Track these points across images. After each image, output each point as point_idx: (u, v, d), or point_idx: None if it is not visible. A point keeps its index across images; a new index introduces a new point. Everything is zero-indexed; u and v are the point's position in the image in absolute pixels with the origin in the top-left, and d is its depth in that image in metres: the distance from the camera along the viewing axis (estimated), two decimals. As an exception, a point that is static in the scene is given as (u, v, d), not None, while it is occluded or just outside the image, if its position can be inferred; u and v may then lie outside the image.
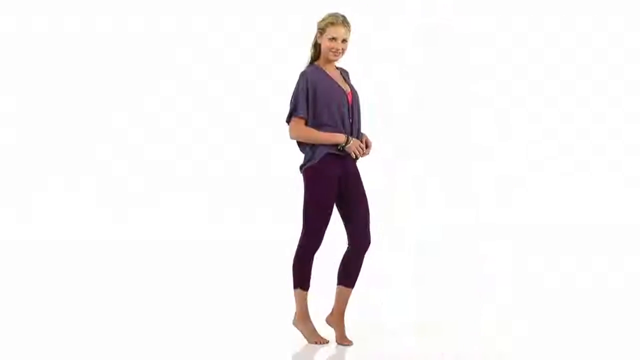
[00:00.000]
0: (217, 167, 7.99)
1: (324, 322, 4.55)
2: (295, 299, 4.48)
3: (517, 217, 7.75)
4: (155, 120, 8.03)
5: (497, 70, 8.00)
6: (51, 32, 7.97)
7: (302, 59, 4.55)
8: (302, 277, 4.44)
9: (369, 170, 5.32)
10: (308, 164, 4.37)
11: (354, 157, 4.43)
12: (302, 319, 4.49)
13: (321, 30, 4.41)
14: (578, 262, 6.71)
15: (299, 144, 4.43)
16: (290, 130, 4.37)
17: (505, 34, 7.97)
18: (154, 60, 8.02)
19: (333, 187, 4.38)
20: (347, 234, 4.49)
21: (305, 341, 4.47)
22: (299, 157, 4.44)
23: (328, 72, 4.42)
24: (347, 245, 4.49)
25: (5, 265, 6.86)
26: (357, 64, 4.94)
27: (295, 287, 4.46)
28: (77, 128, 8.02)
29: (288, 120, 4.38)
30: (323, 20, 4.42)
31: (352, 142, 4.36)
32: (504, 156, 7.99)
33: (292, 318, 4.54)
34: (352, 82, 4.55)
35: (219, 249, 7.26)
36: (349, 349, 4.40)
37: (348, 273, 4.47)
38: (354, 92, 4.47)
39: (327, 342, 4.47)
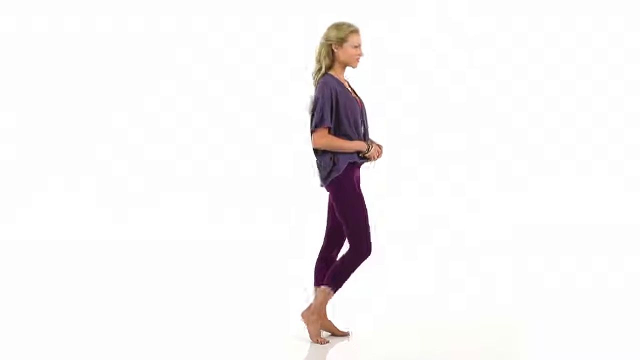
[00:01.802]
0: (217, 167, 8.00)
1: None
2: (321, 296, 4.47)
3: (517, 217, 7.75)
4: (155, 120, 8.03)
5: (497, 70, 8.00)
6: (51, 32, 7.96)
7: (301, 59, 4.56)
8: (344, 281, 4.45)
9: (371, 170, 5.32)
10: (332, 177, 4.40)
11: (372, 161, 4.51)
12: (319, 318, 4.51)
13: (341, 40, 4.43)
14: (578, 262, 6.71)
15: (318, 153, 4.43)
16: (316, 140, 4.38)
17: (506, 34, 7.97)
18: (154, 60, 8.02)
19: (357, 188, 4.48)
20: (329, 235, 4.56)
21: (304, 341, 4.48)
22: (299, 157, 4.44)
23: (342, 82, 4.48)
24: (322, 245, 4.57)
25: (6, 265, 6.86)
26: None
27: (333, 288, 4.45)
28: (77, 128, 8.01)
29: (313, 130, 4.39)
30: (340, 29, 4.44)
31: (372, 148, 4.45)
32: (505, 156, 7.98)
33: (305, 310, 4.54)
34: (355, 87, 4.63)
35: (219, 249, 7.26)
36: (350, 348, 4.41)
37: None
38: (361, 100, 4.55)
39: (328, 342, 4.49)
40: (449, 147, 8.01)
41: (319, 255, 4.59)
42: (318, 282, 4.55)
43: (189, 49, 8.02)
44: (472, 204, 7.85)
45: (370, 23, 7.72)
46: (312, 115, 4.41)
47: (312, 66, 4.50)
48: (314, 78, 4.48)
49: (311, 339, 4.49)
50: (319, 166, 4.44)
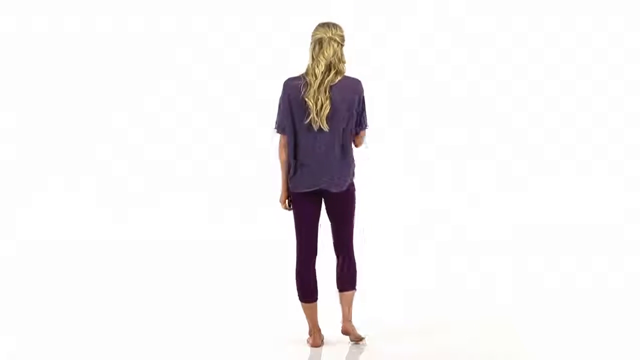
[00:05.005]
0: (217, 167, 7.99)
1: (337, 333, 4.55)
2: (351, 300, 4.48)
3: (517, 217, 7.75)
4: (155, 120, 8.03)
5: (497, 70, 8.00)
6: (51, 32, 7.96)
7: (301, 59, 4.55)
8: None
9: (371, 169, 5.33)
10: (353, 179, 4.42)
11: None
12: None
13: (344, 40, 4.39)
14: (578, 262, 6.71)
15: (349, 153, 4.40)
16: (363, 140, 4.44)
17: (506, 34, 7.96)
18: (154, 60, 8.02)
19: None
20: (315, 242, 4.51)
21: (303, 341, 4.48)
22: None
23: None
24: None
25: (5, 265, 6.86)
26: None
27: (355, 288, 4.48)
28: (77, 128, 8.01)
29: (362, 130, 4.41)
30: (342, 29, 4.39)
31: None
32: (505, 156, 7.98)
33: (345, 323, 4.48)
34: None
35: (219, 249, 7.26)
36: (348, 345, 4.40)
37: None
38: None
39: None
40: (449, 147, 8.00)
41: (312, 268, 4.44)
42: (315, 296, 4.44)
43: (189, 49, 8.01)
44: (471, 203, 7.85)
45: (370, 20, 7.74)
46: (360, 115, 4.36)
47: (321, 66, 4.32)
48: (325, 79, 4.32)
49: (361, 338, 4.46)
50: (347, 167, 4.37)
